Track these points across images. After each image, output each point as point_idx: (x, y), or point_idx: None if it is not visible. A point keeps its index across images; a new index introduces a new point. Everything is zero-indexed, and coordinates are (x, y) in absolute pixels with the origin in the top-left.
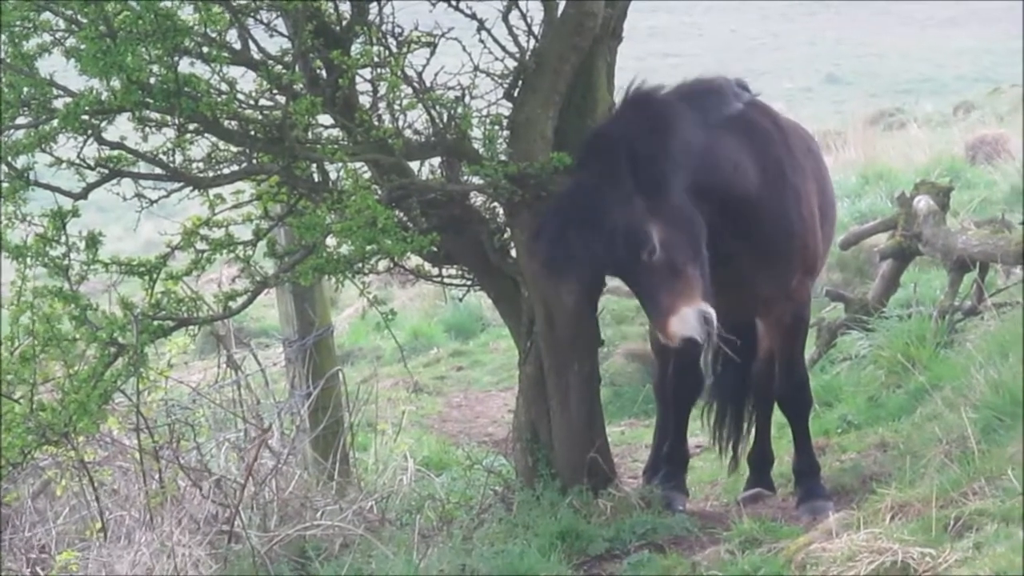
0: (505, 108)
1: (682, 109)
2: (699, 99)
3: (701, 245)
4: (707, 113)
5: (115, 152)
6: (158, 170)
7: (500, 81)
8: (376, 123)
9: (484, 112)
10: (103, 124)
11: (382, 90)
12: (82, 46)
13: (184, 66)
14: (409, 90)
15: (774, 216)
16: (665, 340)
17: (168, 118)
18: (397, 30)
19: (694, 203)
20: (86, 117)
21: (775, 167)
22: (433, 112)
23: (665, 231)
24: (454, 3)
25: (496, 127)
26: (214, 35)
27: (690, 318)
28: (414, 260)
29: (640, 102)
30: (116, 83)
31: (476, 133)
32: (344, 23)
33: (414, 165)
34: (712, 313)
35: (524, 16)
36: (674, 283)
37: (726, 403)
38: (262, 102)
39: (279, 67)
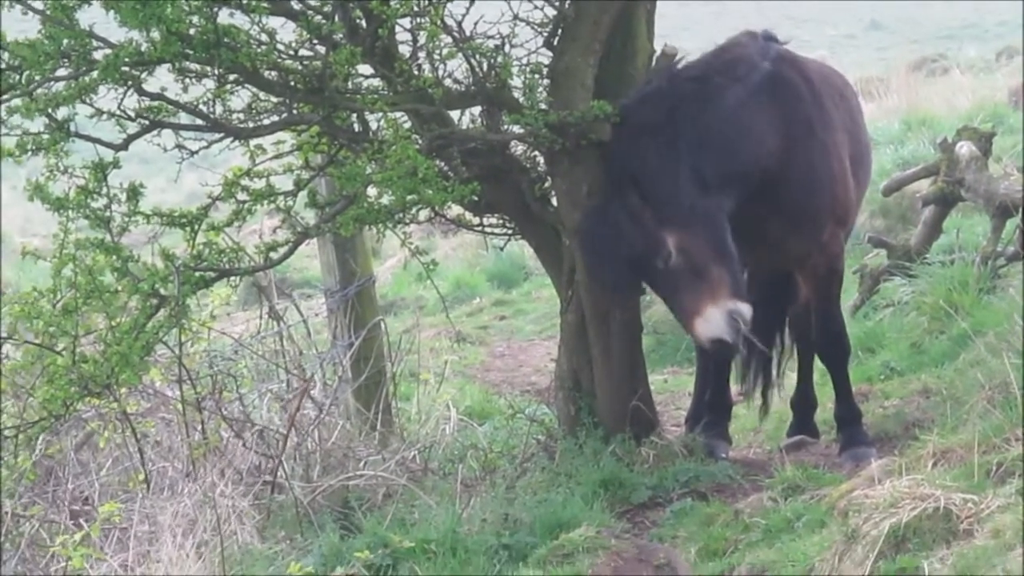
0: (545, 57)
1: (703, 93)
2: (723, 72)
3: (726, 241)
4: (731, 88)
5: (155, 103)
6: (199, 121)
7: (540, 30)
8: (416, 72)
9: (524, 61)
10: (143, 75)
11: (422, 39)
12: None
13: (223, 17)
14: (449, 39)
15: (800, 177)
16: (696, 342)
17: (208, 69)
18: None
19: (718, 189)
20: (126, 68)
21: (803, 126)
22: (473, 61)
23: (681, 235)
24: None
25: (536, 76)
26: None
27: (716, 318)
28: (455, 210)
29: (653, 98)
30: (156, 34)
31: (516, 82)
32: None
33: (454, 114)
34: (744, 309)
35: None
36: (697, 284)
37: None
38: (302, 52)
39: (319, 17)
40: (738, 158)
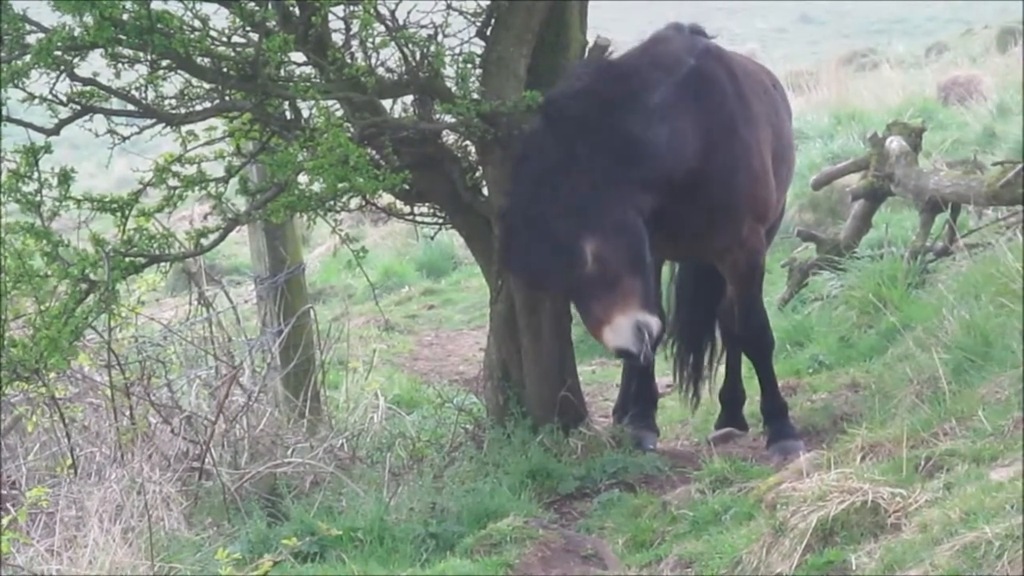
0: (478, 47)
1: (628, 95)
2: (649, 71)
3: (643, 251)
4: (656, 90)
5: (87, 88)
6: (130, 107)
7: (473, 19)
8: (349, 61)
9: (457, 50)
10: (76, 60)
11: (355, 28)
12: None
13: (157, 3)
14: (382, 28)
15: (721, 175)
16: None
17: (141, 54)
18: None
19: (641, 194)
20: (59, 53)
21: (725, 124)
22: (406, 50)
23: (599, 244)
24: None
25: (469, 65)
26: None
27: (623, 328)
28: (386, 198)
29: (579, 98)
30: (89, 19)
31: (449, 71)
32: None
33: (386, 103)
34: (652, 322)
35: None
36: (608, 294)
37: (688, 343)
38: (235, 39)
39: (252, 4)
40: (662, 164)
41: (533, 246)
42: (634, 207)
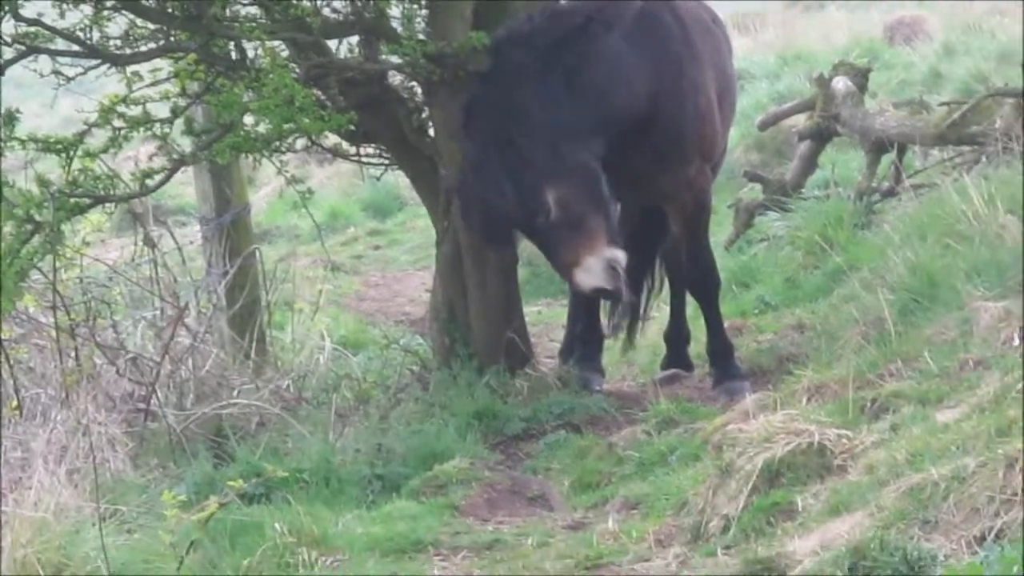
0: None
1: (579, 38)
2: (599, 13)
3: (601, 190)
4: (606, 34)
5: (32, 29)
6: (75, 47)
7: None
8: (294, 1)
9: None
10: (20, 0)
11: None
12: None
13: None
14: None
15: (668, 116)
16: (577, 290)
17: None
18: None
19: (593, 137)
20: None
21: (673, 65)
22: None
23: (560, 189)
24: None
25: (415, 6)
26: None
27: (595, 268)
28: (332, 139)
29: (530, 40)
30: None
31: (394, 12)
32: None
33: (332, 44)
34: (620, 256)
35: None
36: (574, 236)
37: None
38: None
39: None
40: (613, 106)
41: (493, 202)
42: (587, 150)
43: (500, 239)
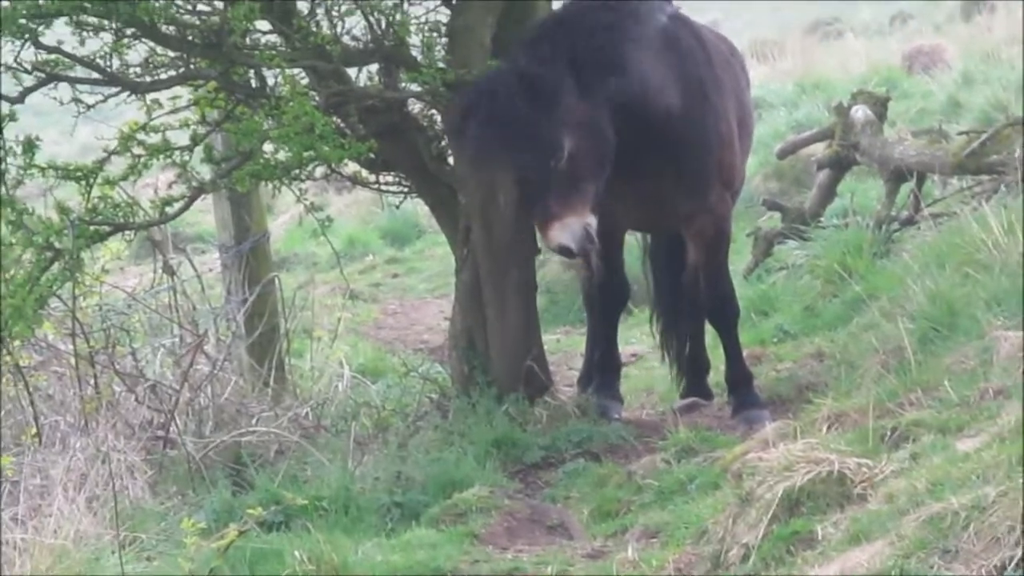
0: (443, 15)
1: (621, 19)
2: (629, 15)
3: (606, 160)
4: (639, 27)
5: (52, 56)
6: (95, 75)
7: None
8: (314, 29)
9: (422, 18)
10: (40, 28)
11: None
12: None
13: None
14: None
15: (694, 135)
16: (543, 243)
17: (105, 22)
18: None
19: (613, 118)
20: (23, 21)
21: (697, 86)
22: (371, 18)
23: (576, 140)
24: None
25: (434, 34)
26: None
27: (574, 228)
28: (351, 167)
29: (584, 9)
30: None
31: (414, 40)
32: None
33: (352, 72)
34: (594, 224)
35: None
36: (569, 192)
37: (669, 313)
38: (200, 7)
39: None
40: (637, 88)
41: (510, 132)
42: (607, 118)
43: (490, 163)
